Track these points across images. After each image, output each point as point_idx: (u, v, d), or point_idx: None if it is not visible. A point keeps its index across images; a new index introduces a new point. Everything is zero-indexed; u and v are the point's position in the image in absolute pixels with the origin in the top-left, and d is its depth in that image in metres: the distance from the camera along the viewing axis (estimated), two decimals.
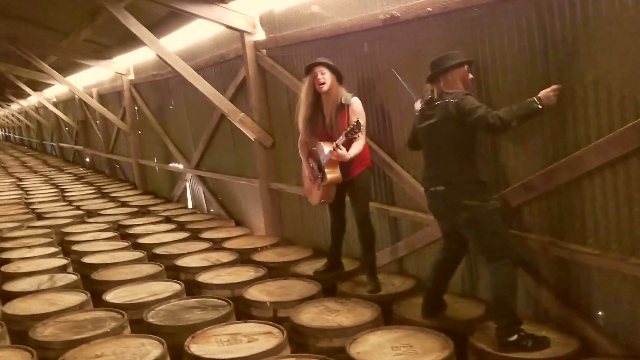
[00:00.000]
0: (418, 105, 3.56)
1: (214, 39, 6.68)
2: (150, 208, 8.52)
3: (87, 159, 15.51)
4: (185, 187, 8.77)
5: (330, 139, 4.12)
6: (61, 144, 18.99)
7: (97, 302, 4.41)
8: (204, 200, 8.17)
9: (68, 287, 4.76)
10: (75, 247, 6.18)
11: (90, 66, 10.50)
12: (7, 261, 5.79)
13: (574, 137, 3.02)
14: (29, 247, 6.35)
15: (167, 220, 7.49)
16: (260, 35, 5.68)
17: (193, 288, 4.65)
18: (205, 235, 6.32)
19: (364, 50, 4.41)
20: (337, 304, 3.87)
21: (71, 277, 5.05)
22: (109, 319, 3.92)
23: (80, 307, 4.21)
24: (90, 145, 14.71)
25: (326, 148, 4.08)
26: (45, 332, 3.76)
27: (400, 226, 4.49)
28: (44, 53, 10.57)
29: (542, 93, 2.99)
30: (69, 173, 14.44)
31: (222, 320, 3.75)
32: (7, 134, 38.97)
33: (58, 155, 19.95)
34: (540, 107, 2.96)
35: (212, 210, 7.94)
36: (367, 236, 4.25)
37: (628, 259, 2.84)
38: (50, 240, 6.69)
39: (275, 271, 4.88)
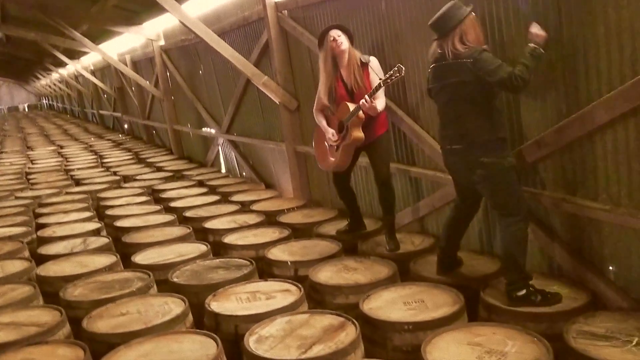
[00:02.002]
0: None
1: (238, 1, 6.75)
2: (184, 172, 8.81)
3: (126, 126, 15.98)
4: (218, 152, 9.00)
5: (352, 100, 4.20)
6: (101, 111, 19.55)
7: (127, 263, 4.66)
8: (236, 164, 8.39)
9: (99, 250, 5.01)
10: (109, 212, 6.49)
11: (121, 33, 10.73)
12: (44, 226, 6.13)
13: (587, 92, 3.01)
14: (66, 212, 6.69)
15: (200, 184, 7.75)
16: None
17: (220, 249, 4.89)
18: (235, 198, 6.53)
19: (382, 8, 4.43)
20: (356, 263, 4.02)
21: (103, 240, 5.32)
22: (136, 279, 4.14)
23: (109, 269, 4.45)
24: (128, 112, 15.11)
25: (351, 106, 4.14)
26: (75, 293, 4.00)
27: (421, 186, 4.57)
28: (75, 21, 10.85)
29: (532, 36, 3.05)
30: (109, 140, 14.94)
31: (244, 279, 3.95)
32: (50, 102, 40.25)
33: (98, 123, 20.59)
34: (543, 51, 3.02)
35: (244, 173, 8.16)
36: (388, 197, 4.35)
37: (638, 214, 2.86)
38: (86, 205, 7.01)
39: (299, 232, 5.05)
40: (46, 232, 5.82)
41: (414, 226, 4.70)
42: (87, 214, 6.48)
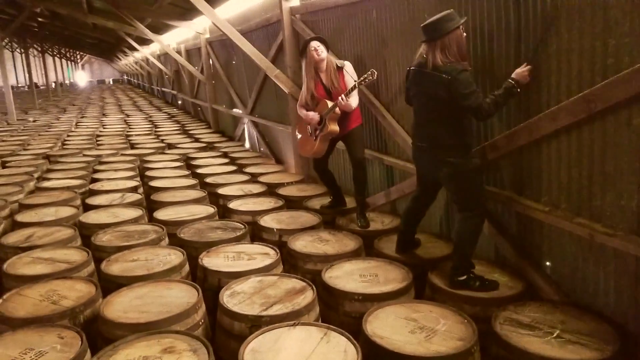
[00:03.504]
0: None
1: (262, 5, 6.41)
2: (216, 145, 8.54)
3: (179, 102, 15.79)
4: (243, 129, 8.75)
5: (330, 98, 3.93)
6: (163, 89, 19.41)
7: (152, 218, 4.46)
8: (256, 141, 8.13)
9: (132, 204, 4.83)
10: (148, 173, 6.30)
11: (176, 26, 10.43)
12: (97, 180, 6.01)
13: (538, 103, 2.65)
14: (116, 170, 6.54)
15: (225, 155, 7.49)
16: (295, 1, 5.36)
17: (225, 212, 4.66)
18: (248, 170, 6.25)
19: (373, 16, 4.06)
20: (330, 235, 3.75)
21: (137, 197, 5.13)
22: (152, 231, 3.97)
23: (135, 221, 4.30)
24: (181, 90, 14.90)
25: (329, 103, 3.90)
26: (103, 238, 3.87)
27: (394, 173, 4.25)
28: (140, 15, 10.58)
29: (517, 73, 2.60)
30: (165, 113, 14.75)
31: (235, 240, 3.73)
32: (129, 78, 40.44)
33: (161, 98, 20.47)
34: (519, 90, 2.60)
35: (261, 149, 7.90)
36: (360, 179, 4.06)
37: (573, 218, 2.53)
38: (132, 166, 6.83)
39: (292, 203, 4.79)
40: (96, 186, 5.67)
41: (387, 207, 4.39)
42: (131, 173, 6.29)
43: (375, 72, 3.51)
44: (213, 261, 3.33)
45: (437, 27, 2.74)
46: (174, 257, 3.44)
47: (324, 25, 4.83)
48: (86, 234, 4.10)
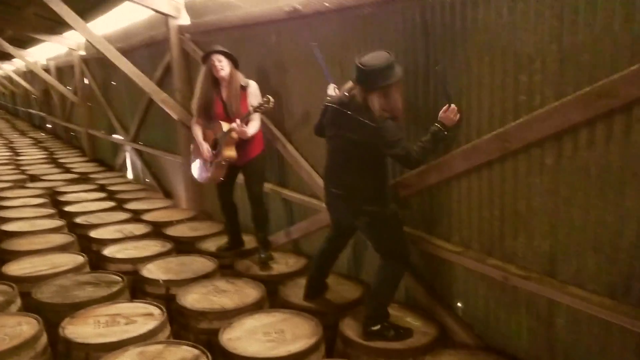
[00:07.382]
0: (331, 91, 2.98)
1: (147, 21, 5.91)
2: (91, 175, 7.69)
3: (49, 125, 14.27)
4: (125, 158, 8.01)
5: (229, 119, 3.63)
6: (30, 110, 17.49)
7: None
8: (140, 172, 7.46)
9: None
10: (1, 213, 5.37)
11: (44, 41, 9.39)
12: None
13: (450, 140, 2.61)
14: None
15: (101, 188, 6.72)
16: (185, 20, 5.01)
17: (99, 261, 4.06)
18: (130, 205, 5.62)
19: (272, 40, 3.87)
20: (227, 284, 3.38)
21: None
22: None
23: None
24: (51, 113, 13.48)
25: (225, 126, 3.60)
26: None
27: (295, 209, 4.03)
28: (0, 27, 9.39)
29: (443, 118, 2.48)
30: (30, 137, 13.20)
31: (109, 299, 3.20)
32: None
33: (27, 120, 18.42)
34: (447, 133, 2.49)
35: (147, 180, 7.24)
36: (260, 216, 3.81)
37: (485, 259, 2.49)
38: None
39: (183, 245, 4.34)
40: None
41: (289, 246, 4.14)
42: None
43: (271, 99, 3.31)
44: (79, 330, 2.78)
45: (381, 75, 2.46)
46: (25, 327, 2.81)
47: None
48: None
